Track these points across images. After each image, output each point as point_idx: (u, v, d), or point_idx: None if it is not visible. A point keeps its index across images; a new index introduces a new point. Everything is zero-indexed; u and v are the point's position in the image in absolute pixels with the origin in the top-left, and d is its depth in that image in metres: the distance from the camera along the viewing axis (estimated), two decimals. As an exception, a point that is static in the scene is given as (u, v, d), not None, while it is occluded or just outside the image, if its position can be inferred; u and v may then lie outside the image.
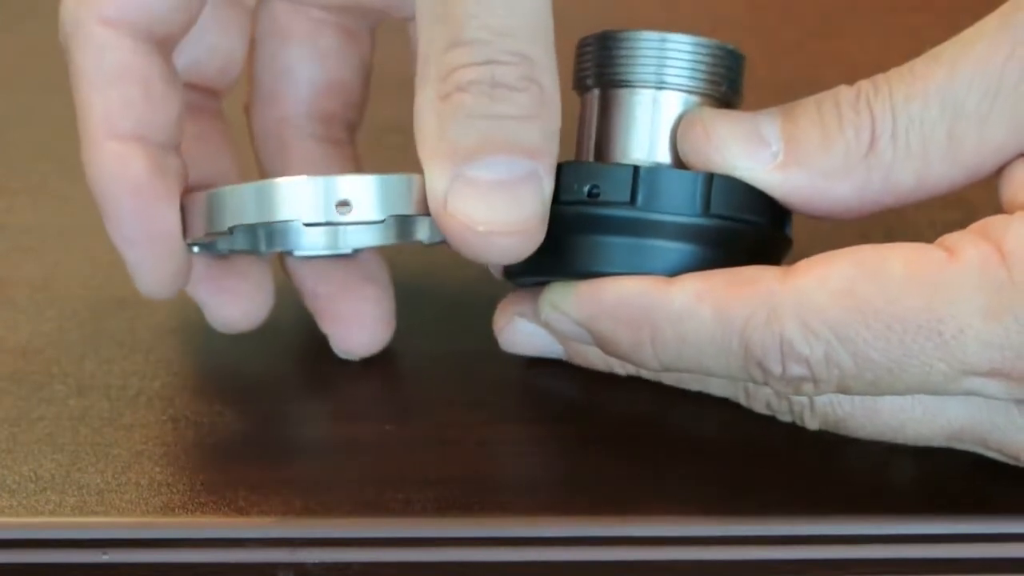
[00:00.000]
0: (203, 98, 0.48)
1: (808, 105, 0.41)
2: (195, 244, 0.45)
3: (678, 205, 0.41)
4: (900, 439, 0.42)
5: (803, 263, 0.40)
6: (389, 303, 0.47)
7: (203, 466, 0.44)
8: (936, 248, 0.39)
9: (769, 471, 0.43)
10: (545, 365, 0.46)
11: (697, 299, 0.40)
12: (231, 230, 0.42)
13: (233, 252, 0.46)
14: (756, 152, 0.41)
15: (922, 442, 0.42)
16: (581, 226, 0.41)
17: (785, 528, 0.42)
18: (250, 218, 0.42)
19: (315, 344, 0.48)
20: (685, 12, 0.64)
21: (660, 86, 0.42)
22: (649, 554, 0.43)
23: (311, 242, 0.46)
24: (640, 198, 0.41)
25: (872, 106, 0.40)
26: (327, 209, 0.41)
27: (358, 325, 0.47)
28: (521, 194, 0.40)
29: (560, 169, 0.41)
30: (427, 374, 0.47)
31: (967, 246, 0.39)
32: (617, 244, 0.41)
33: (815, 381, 0.39)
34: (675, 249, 0.41)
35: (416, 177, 0.41)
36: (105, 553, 0.42)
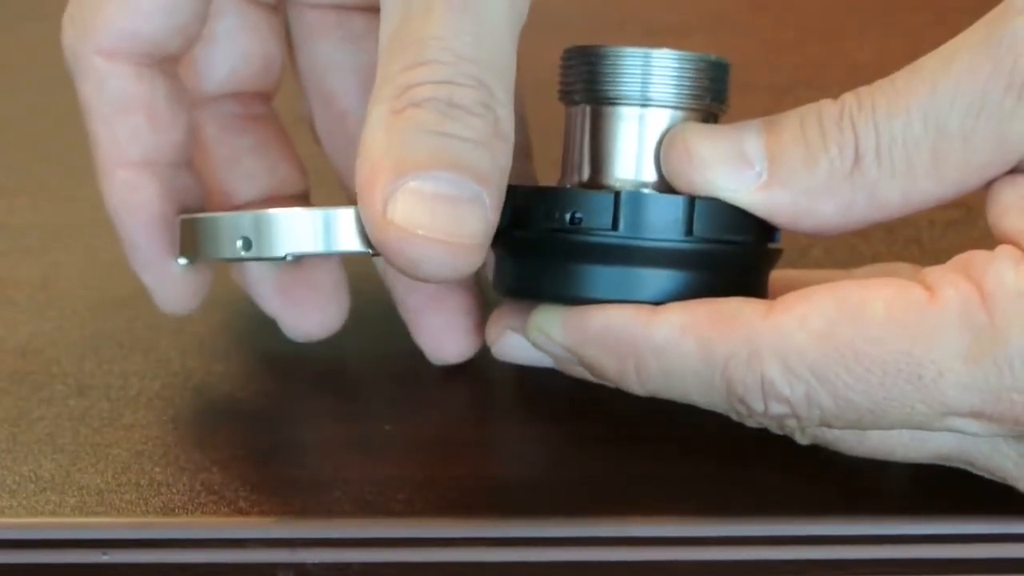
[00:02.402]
0: (251, 105, 0.48)
1: (792, 120, 0.41)
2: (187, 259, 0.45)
3: (661, 230, 0.41)
4: (891, 459, 0.42)
5: (786, 299, 0.39)
6: (479, 311, 0.47)
7: (203, 466, 0.44)
8: (917, 288, 0.39)
9: (769, 471, 0.43)
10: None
11: (680, 333, 0.40)
12: (222, 260, 0.43)
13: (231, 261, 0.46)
14: (739, 173, 0.41)
15: (912, 461, 0.42)
16: (565, 253, 0.41)
17: (785, 528, 0.42)
18: (226, 253, 0.42)
19: (315, 344, 0.48)
20: (685, 12, 0.64)
21: (645, 103, 0.42)
22: (649, 554, 0.43)
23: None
24: (623, 224, 0.41)
25: (855, 123, 0.40)
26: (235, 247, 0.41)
27: (450, 338, 0.47)
28: (465, 212, 0.39)
29: (543, 195, 0.41)
30: (427, 374, 0.47)
31: (947, 286, 0.38)
32: (601, 271, 0.41)
33: (797, 418, 0.40)
34: (660, 274, 0.41)
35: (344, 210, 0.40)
36: (105, 553, 0.42)
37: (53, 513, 0.43)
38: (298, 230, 0.41)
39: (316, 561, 0.42)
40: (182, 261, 0.45)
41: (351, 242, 0.40)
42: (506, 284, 0.43)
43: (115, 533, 0.43)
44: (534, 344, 0.42)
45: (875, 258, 0.50)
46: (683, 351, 0.40)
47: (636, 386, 0.41)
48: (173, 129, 0.45)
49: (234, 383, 0.47)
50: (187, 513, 0.43)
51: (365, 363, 0.48)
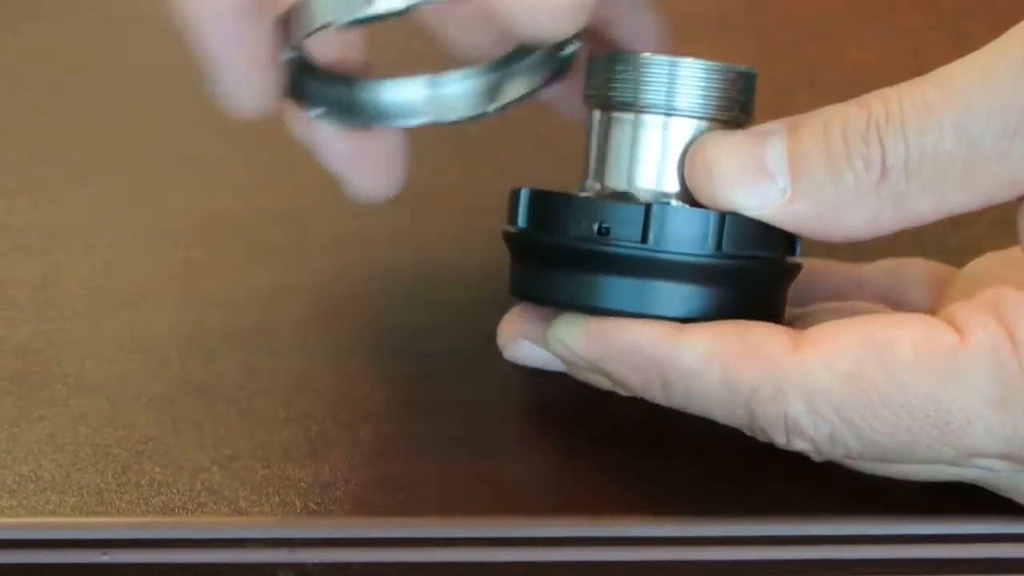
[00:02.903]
0: None
1: (815, 127, 0.40)
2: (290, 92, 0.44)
3: (690, 244, 0.40)
4: (911, 479, 0.41)
5: (813, 335, 0.39)
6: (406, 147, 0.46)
7: (203, 466, 0.44)
8: (947, 329, 0.38)
9: (769, 471, 0.43)
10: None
11: (706, 360, 0.39)
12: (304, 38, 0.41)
13: (327, 120, 0.45)
14: (762, 189, 0.40)
15: (935, 482, 0.41)
16: (591, 263, 0.41)
17: (785, 528, 0.42)
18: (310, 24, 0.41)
19: (315, 344, 0.48)
20: (686, 13, 0.64)
21: (670, 112, 0.42)
22: (649, 554, 0.43)
23: (409, 110, 0.45)
24: (651, 237, 0.40)
25: (883, 137, 0.39)
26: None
27: (372, 165, 0.45)
28: None
29: (571, 202, 0.41)
30: (427, 374, 0.47)
31: (978, 329, 0.38)
32: (626, 283, 0.41)
33: (819, 453, 0.40)
34: (685, 289, 0.41)
35: None
36: (105, 553, 0.42)
37: (53, 513, 0.43)
38: None
39: (316, 561, 0.42)
40: (289, 54, 0.43)
41: None
42: (525, 288, 0.42)
43: (115, 533, 0.43)
44: (554, 353, 0.42)
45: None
46: (709, 378, 0.39)
47: (661, 399, 0.41)
48: None
49: (234, 383, 0.47)
50: (187, 513, 0.43)
51: (365, 363, 0.48)
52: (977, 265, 0.44)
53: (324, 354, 0.48)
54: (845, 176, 0.39)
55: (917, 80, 0.39)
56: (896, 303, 0.44)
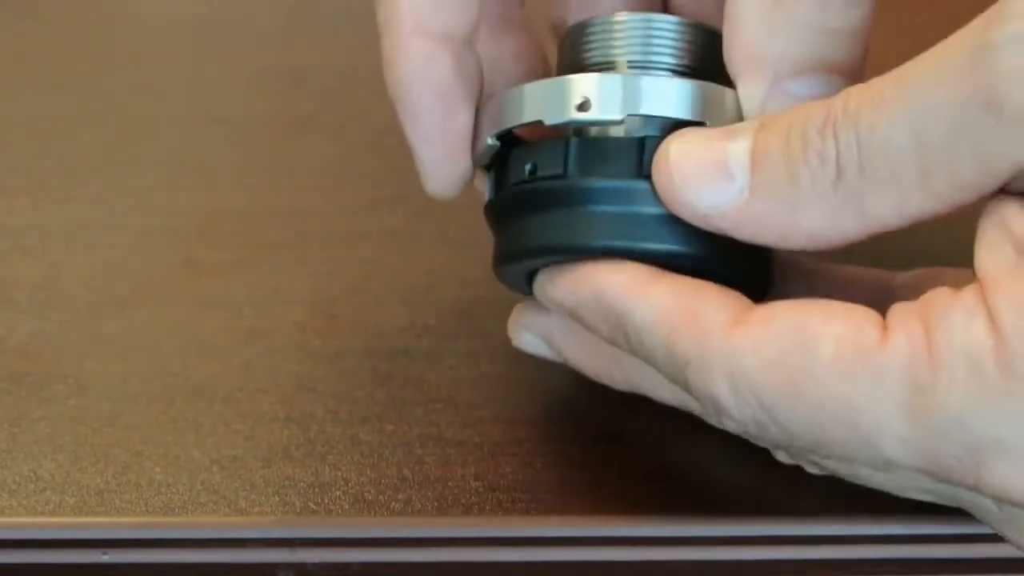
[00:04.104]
0: (510, 5, 0.47)
1: (781, 123, 0.39)
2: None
3: (612, 171, 0.40)
4: (905, 496, 0.41)
5: (753, 315, 0.38)
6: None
7: (203, 466, 0.44)
8: (871, 329, 0.37)
9: (770, 471, 0.43)
10: (546, 365, 0.46)
11: (657, 319, 0.39)
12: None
13: None
14: (721, 189, 0.39)
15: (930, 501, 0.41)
16: (523, 204, 0.41)
17: (785, 528, 0.42)
18: (507, 122, 0.41)
19: (315, 344, 0.48)
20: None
21: (630, 65, 0.42)
22: (649, 554, 0.43)
23: None
24: (571, 168, 0.40)
25: (837, 132, 0.38)
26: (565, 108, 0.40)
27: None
28: None
29: (510, 154, 0.41)
30: (427, 374, 0.47)
31: (900, 331, 0.37)
32: (557, 217, 0.40)
33: (751, 437, 0.39)
34: (620, 215, 0.40)
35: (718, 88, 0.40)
36: (105, 553, 0.42)
37: (53, 513, 0.43)
38: (671, 94, 0.40)
39: (316, 561, 0.42)
40: (490, 141, 0.43)
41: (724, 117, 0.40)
42: (494, 258, 0.42)
43: (115, 533, 0.43)
44: (547, 305, 0.42)
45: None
46: (657, 338, 0.39)
47: (627, 350, 0.40)
48: (470, 4, 0.43)
49: (234, 383, 0.47)
50: (187, 513, 0.43)
51: (365, 363, 0.48)
52: None
53: (324, 354, 0.48)
54: (801, 173, 0.38)
55: (883, 75, 0.38)
56: None
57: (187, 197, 0.53)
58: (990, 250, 0.37)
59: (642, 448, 0.45)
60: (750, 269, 0.41)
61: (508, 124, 0.42)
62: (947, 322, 0.36)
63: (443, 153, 0.43)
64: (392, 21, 0.43)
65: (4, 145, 0.56)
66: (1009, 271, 0.36)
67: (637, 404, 0.44)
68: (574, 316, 0.41)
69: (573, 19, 0.46)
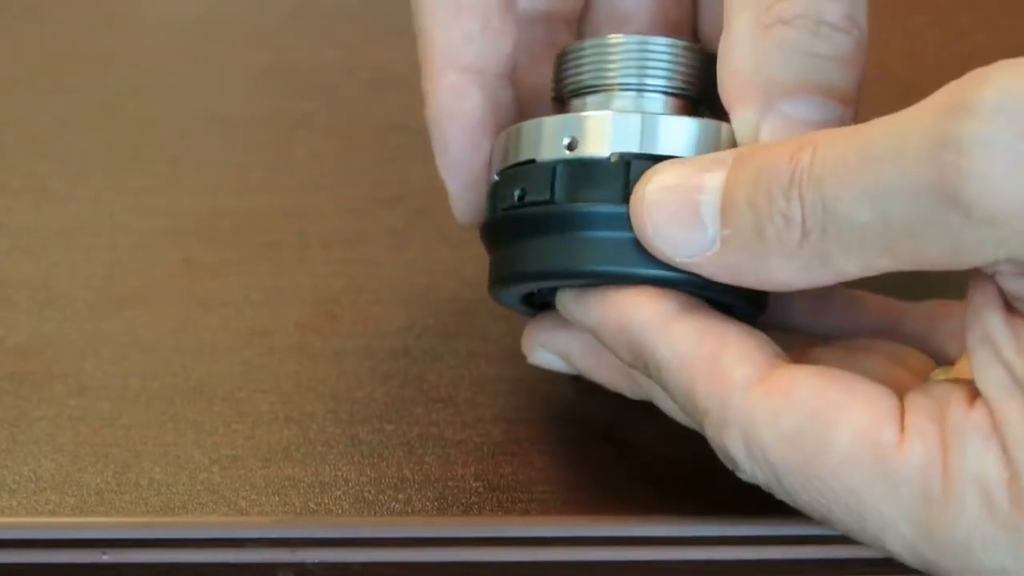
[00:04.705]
0: (557, 30, 0.48)
1: (749, 172, 0.38)
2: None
3: (598, 196, 0.40)
4: None
5: (778, 377, 0.38)
6: None
7: (203, 466, 0.44)
8: (889, 427, 0.37)
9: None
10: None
11: (680, 363, 0.39)
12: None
13: None
14: (693, 238, 0.39)
15: None
16: (510, 230, 0.41)
17: (785, 528, 0.42)
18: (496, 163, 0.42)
19: (314, 344, 0.48)
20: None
21: (620, 88, 0.42)
22: (649, 554, 0.43)
23: None
24: (558, 193, 0.40)
25: (803, 196, 0.37)
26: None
27: None
28: None
29: (498, 180, 0.42)
30: (427, 374, 0.47)
31: (917, 438, 0.37)
32: (547, 243, 0.41)
33: (770, 490, 0.39)
34: (610, 240, 0.40)
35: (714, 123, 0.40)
36: (105, 553, 0.42)
37: (53, 513, 0.43)
38: (683, 132, 0.40)
39: (316, 561, 0.42)
40: (494, 177, 0.43)
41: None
42: (490, 278, 0.43)
43: (115, 533, 0.43)
44: (568, 319, 0.42)
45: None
46: (678, 381, 0.39)
47: (648, 376, 0.40)
48: (503, 40, 0.44)
49: (234, 383, 0.47)
50: (187, 513, 0.43)
51: (365, 363, 0.48)
52: None
53: (324, 354, 0.48)
54: (768, 230, 0.38)
55: (848, 134, 0.37)
56: (932, 353, 0.43)
57: (187, 197, 0.53)
58: (984, 368, 0.37)
59: (642, 448, 0.45)
60: (745, 292, 0.41)
61: (503, 164, 0.42)
62: (961, 444, 0.36)
63: (468, 183, 0.45)
64: (427, 55, 0.44)
65: (4, 145, 0.56)
66: (1010, 398, 0.36)
67: (637, 405, 0.44)
68: (595, 335, 0.41)
69: None
